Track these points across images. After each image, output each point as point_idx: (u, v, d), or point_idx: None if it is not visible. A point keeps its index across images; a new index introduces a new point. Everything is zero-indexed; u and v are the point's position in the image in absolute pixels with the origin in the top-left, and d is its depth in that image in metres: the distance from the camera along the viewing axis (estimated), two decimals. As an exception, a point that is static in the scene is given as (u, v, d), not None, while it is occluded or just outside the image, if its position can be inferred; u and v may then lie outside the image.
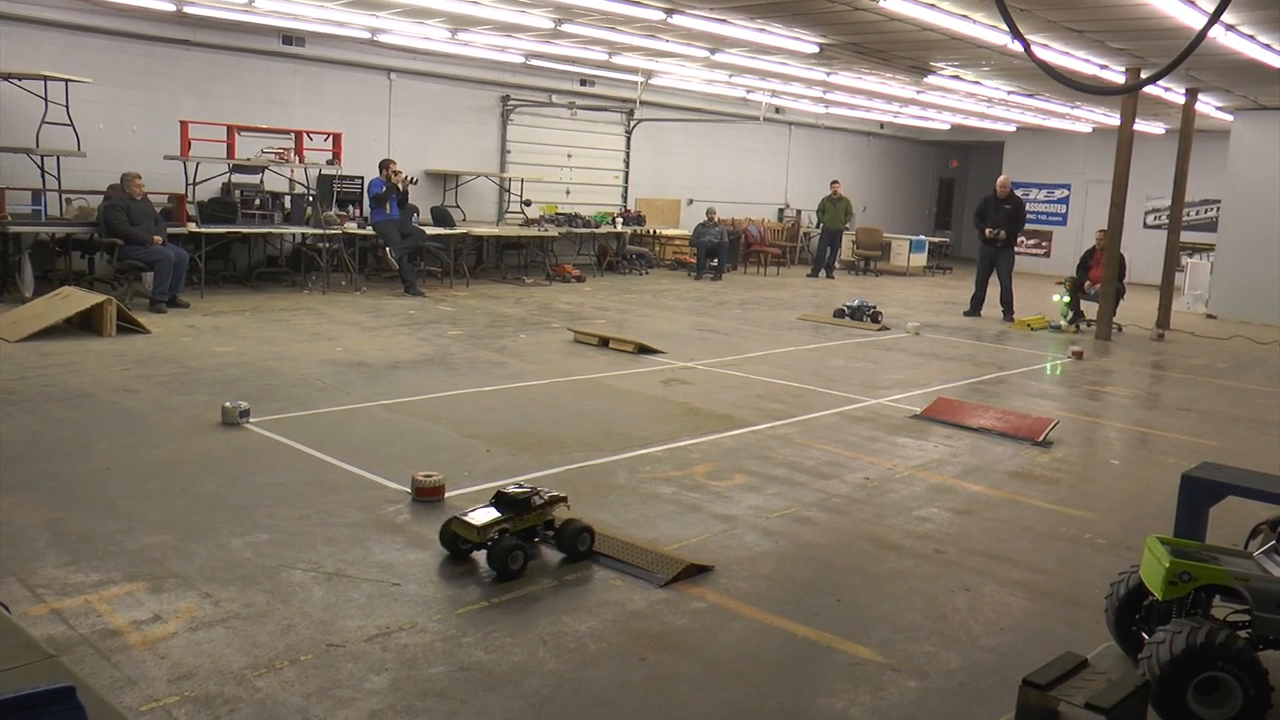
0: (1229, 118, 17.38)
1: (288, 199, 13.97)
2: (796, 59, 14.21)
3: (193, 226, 12.62)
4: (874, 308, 13.56)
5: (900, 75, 15.49)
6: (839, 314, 13.65)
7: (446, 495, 5.54)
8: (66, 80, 12.02)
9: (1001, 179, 15.58)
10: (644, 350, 10.34)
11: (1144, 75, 12.95)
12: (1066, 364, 11.61)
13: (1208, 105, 16.45)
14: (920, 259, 23.08)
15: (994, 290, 15.16)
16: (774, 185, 23.60)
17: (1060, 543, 5.53)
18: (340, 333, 10.63)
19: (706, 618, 4.29)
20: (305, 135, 13.78)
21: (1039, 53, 5.48)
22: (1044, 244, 25.21)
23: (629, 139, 20.13)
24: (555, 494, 4.98)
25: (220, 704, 3.39)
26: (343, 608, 4.17)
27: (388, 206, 13.92)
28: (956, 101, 18.67)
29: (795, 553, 5.13)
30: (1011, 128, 23.50)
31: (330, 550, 4.76)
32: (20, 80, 11.90)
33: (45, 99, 11.93)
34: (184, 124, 12.76)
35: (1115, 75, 13.30)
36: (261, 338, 10.08)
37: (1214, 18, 4.77)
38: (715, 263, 18.75)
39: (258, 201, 13.50)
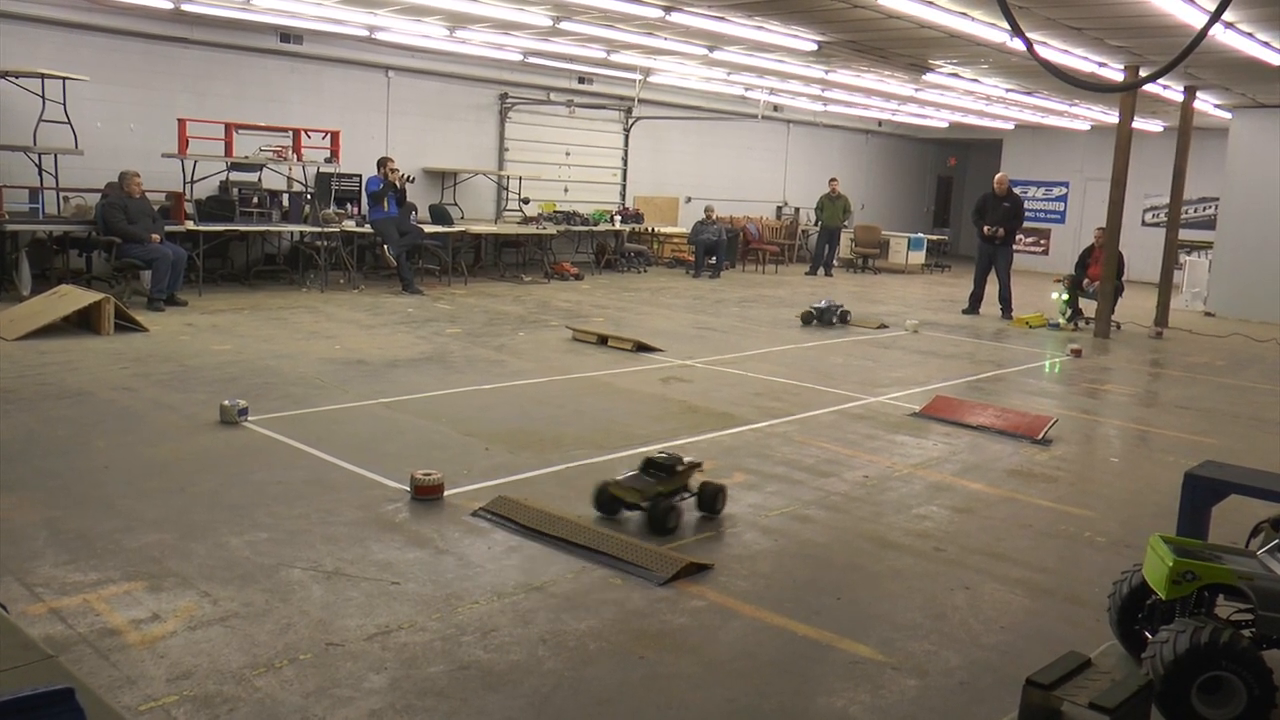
0: (1227, 115, 17.38)
1: (286, 197, 13.95)
2: (795, 57, 14.20)
3: (191, 224, 12.61)
4: (841, 308, 13.11)
5: (899, 73, 15.48)
6: (807, 317, 13.09)
7: (445, 493, 5.53)
8: (64, 78, 11.99)
9: (999, 176, 15.57)
10: (642, 348, 10.33)
11: (1143, 73, 12.95)
12: (1065, 362, 11.61)
13: (1206, 103, 16.46)
14: (919, 257, 23.09)
15: (992, 288, 15.16)
16: (772, 183, 23.59)
17: (1059, 541, 5.53)
18: (338, 331, 10.62)
19: (706, 616, 4.28)
20: (303, 133, 13.75)
21: (1038, 50, 5.46)
22: (1042, 242, 25.22)
23: (627, 137, 20.11)
24: (694, 460, 5.64)
25: (219, 703, 3.38)
26: (342, 606, 4.16)
27: (385, 204, 13.91)
28: (955, 99, 18.67)
29: (794, 551, 5.12)
30: (1010, 125, 23.50)
31: (329, 549, 4.75)
32: (18, 78, 11.88)
33: (43, 97, 11.90)
34: (182, 122, 12.73)
35: (1114, 73, 13.29)
36: (260, 336, 10.06)
37: (1215, 16, 4.75)
38: (714, 261, 18.74)
39: (256, 200, 13.47)
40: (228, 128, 13.21)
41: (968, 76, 15.53)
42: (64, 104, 12.02)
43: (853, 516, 5.69)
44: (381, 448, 6.45)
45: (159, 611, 4.02)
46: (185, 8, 12.28)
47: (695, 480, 5.54)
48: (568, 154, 19.05)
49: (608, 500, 5.42)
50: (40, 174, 12.00)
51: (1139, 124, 16.43)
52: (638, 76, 17.25)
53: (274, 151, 13.57)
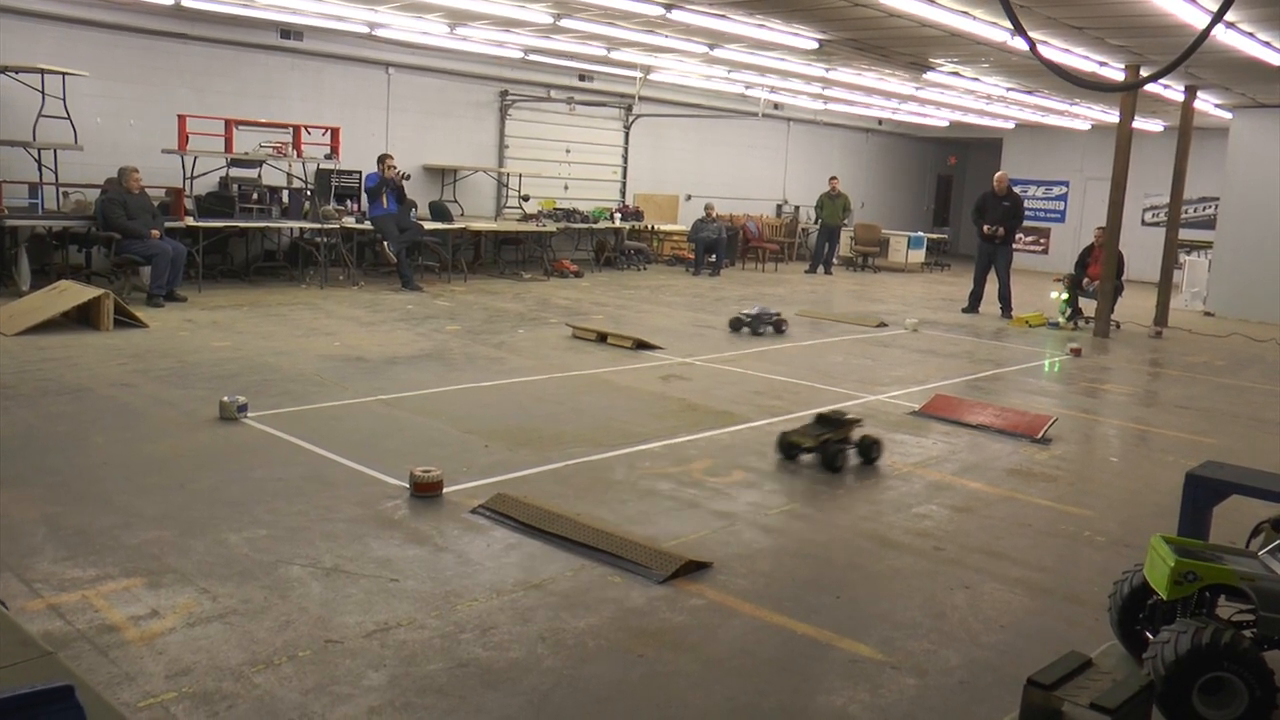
0: (1228, 115, 17.38)
1: (285, 193, 13.93)
2: (795, 55, 14.19)
3: (190, 221, 12.60)
4: (776, 315, 12.04)
5: (899, 71, 15.47)
6: (735, 324, 11.98)
7: (445, 491, 5.52)
8: (64, 73, 11.99)
9: (999, 175, 15.56)
10: (642, 346, 10.32)
11: (1143, 72, 12.95)
12: (1065, 361, 11.60)
13: (1207, 103, 16.45)
14: (918, 255, 23.09)
15: (992, 287, 15.15)
16: (772, 181, 23.58)
17: (1059, 540, 5.52)
18: (338, 328, 10.61)
19: (705, 615, 4.28)
20: (303, 130, 13.75)
21: (1039, 49, 5.46)
22: (1042, 241, 25.22)
23: (627, 134, 20.10)
24: (855, 417, 6.80)
25: (218, 700, 3.37)
26: (341, 603, 4.15)
27: (384, 200, 13.90)
28: (955, 98, 18.66)
29: (794, 550, 5.12)
30: (1010, 124, 23.50)
31: (328, 546, 4.75)
32: (17, 73, 11.87)
33: (42, 92, 11.89)
34: (181, 118, 12.72)
35: (1114, 72, 13.28)
36: (259, 332, 10.05)
37: (1217, 17, 4.74)
38: (713, 258, 18.74)
39: (255, 196, 13.45)
40: (228, 124, 13.20)
41: (968, 75, 15.52)
42: (64, 99, 12.02)
43: (852, 515, 5.68)
44: (381, 445, 6.45)
45: (158, 608, 4.01)
46: (185, 3, 12.26)
47: (856, 433, 6.63)
48: (568, 151, 19.04)
49: (788, 446, 6.55)
50: (40, 169, 11.98)
51: (1139, 123, 16.43)
52: (638, 74, 17.24)
53: (274, 148, 13.56)
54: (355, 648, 3.79)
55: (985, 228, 15.16)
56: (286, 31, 14.53)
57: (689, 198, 21.27)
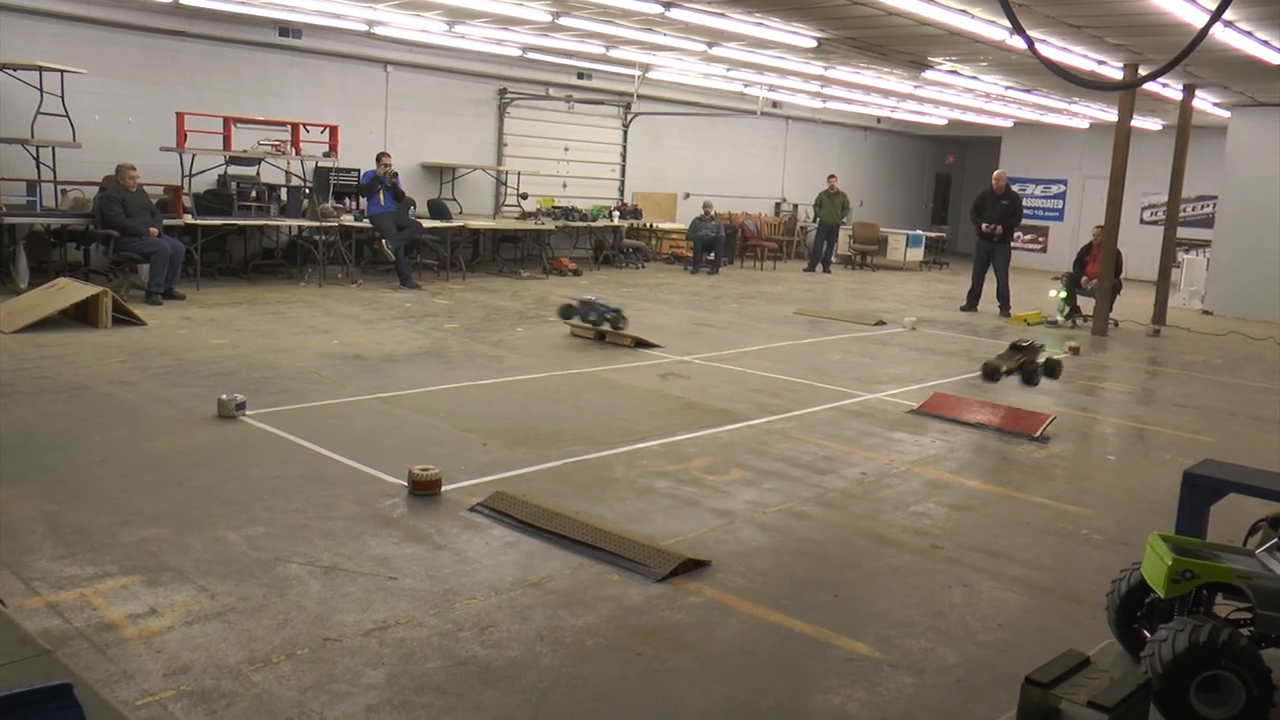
0: (1226, 114, 17.38)
1: (284, 191, 13.92)
2: (794, 53, 14.19)
3: (189, 218, 12.59)
4: (614, 311, 10.61)
5: (898, 70, 15.47)
6: (566, 312, 10.83)
7: (443, 489, 5.52)
8: (62, 71, 11.97)
9: (997, 174, 15.56)
10: (641, 344, 10.32)
11: (1142, 71, 12.95)
12: (1063, 359, 11.58)
13: (1205, 101, 16.46)
14: (917, 254, 23.09)
15: (991, 285, 15.16)
16: (771, 179, 23.58)
17: (1057, 539, 5.53)
18: (336, 325, 10.61)
19: (703, 613, 4.28)
20: (302, 127, 13.74)
21: (1038, 48, 5.46)
22: (1040, 239, 25.22)
23: (626, 132, 20.10)
24: (1040, 343, 9.05)
25: (216, 698, 3.37)
26: (339, 602, 4.15)
27: (381, 198, 13.89)
28: (954, 96, 18.66)
29: (792, 548, 5.12)
30: (1009, 123, 23.50)
31: (327, 544, 4.75)
32: (15, 70, 11.85)
33: (41, 89, 11.88)
34: (180, 115, 12.71)
35: (1113, 71, 13.29)
36: (257, 330, 10.05)
37: (1215, 15, 4.74)
38: (712, 257, 18.74)
39: (254, 194, 13.45)
40: (226, 121, 13.19)
41: (967, 74, 15.52)
42: (62, 97, 12.00)
43: (850, 514, 5.69)
44: (379, 443, 6.45)
45: (156, 606, 4.01)
46: (184, 1, 12.24)
47: (1041, 356, 8.81)
48: (566, 149, 19.04)
49: (992, 370, 8.56)
50: (38, 167, 11.98)
51: (1138, 122, 16.43)
52: (637, 72, 17.24)
53: (272, 146, 13.55)
54: (353, 646, 3.79)
55: (984, 226, 15.16)
56: (285, 29, 14.52)
57: (687, 196, 21.28)
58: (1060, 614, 4.54)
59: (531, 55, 16.19)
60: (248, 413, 6.84)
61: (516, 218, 17.25)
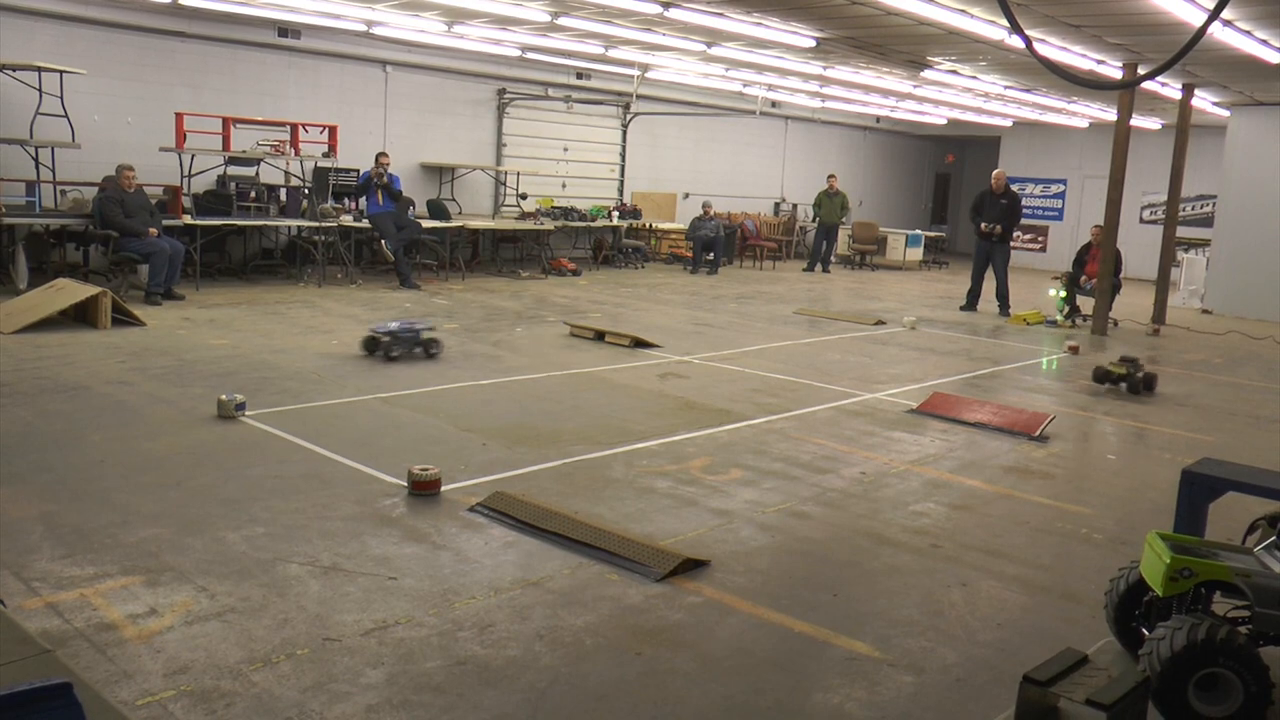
0: (1225, 113, 17.39)
1: (283, 191, 13.93)
2: (793, 53, 14.19)
3: (188, 219, 12.59)
4: (422, 330, 8.98)
5: (897, 69, 15.48)
6: (369, 345, 8.88)
7: (443, 489, 5.53)
8: (61, 71, 11.98)
9: (997, 173, 15.56)
10: (640, 344, 10.33)
11: (1141, 71, 12.96)
12: (1062, 359, 11.61)
13: (1204, 101, 16.46)
14: (916, 253, 23.09)
15: (990, 285, 15.16)
16: (770, 179, 23.58)
17: (1056, 538, 5.53)
18: (336, 326, 10.61)
19: (702, 613, 4.28)
20: (301, 128, 13.74)
21: (1037, 47, 5.47)
22: (1040, 239, 25.23)
23: (625, 132, 20.10)
24: (1136, 357, 9.86)
25: (216, 698, 3.38)
26: (339, 602, 4.16)
27: (380, 198, 13.90)
28: (953, 96, 18.67)
29: (791, 547, 5.12)
30: (1008, 122, 23.50)
31: (326, 544, 4.75)
32: (15, 71, 11.85)
33: (40, 90, 11.89)
34: (179, 116, 12.71)
35: (1112, 70, 13.29)
36: (257, 330, 10.05)
37: (1214, 15, 4.75)
38: (711, 257, 18.74)
39: (253, 194, 13.45)
40: (225, 122, 13.19)
41: (966, 73, 15.53)
42: (61, 97, 12.01)
43: (849, 513, 5.69)
44: (379, 443, 6.45)
45: (156, 606, 4.02)
46: (183, 1, 12.25)
47: (1140, 371, 9.53)
48: (565, 150, 19.04)
49: (1104, 374, 9.56)
50: (37, 167, 11.98)
51: (1137, 121, 16.45)
52: (636, 72, 17.24)
53: (272, 146, 13.55)
54: (353, 646, 3.79)
55: (983, 226, 15.16)
56: (284, 30, 14.53)
57: (687, 196, 21.28)
58: (1060, 613, 4.54)
59: (530, 55, 16.19)
60: (247, 413, 6.85)
61: (516, 218, 17.25)
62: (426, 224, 14.94)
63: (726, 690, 3.66)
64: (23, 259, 11.61)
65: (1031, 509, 5.97)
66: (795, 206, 23.68)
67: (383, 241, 13.91)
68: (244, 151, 13.34)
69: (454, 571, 4.54)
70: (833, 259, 21.37)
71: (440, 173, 17.11)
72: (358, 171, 14.63)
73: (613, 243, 19.00)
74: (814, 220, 21.44)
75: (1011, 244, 15.59)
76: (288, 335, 9.89)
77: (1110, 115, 17.29)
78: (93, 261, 12.55)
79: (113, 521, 4.86)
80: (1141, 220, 23.14)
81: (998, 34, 11.20)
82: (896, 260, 22.73)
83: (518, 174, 17.75)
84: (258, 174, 13.86)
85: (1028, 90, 17.29)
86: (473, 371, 8.77)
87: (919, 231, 23.87)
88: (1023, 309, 14.90)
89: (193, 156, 12.93)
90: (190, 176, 12.92)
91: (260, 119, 13.94)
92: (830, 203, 20.54)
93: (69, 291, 9.93)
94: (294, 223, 13.95)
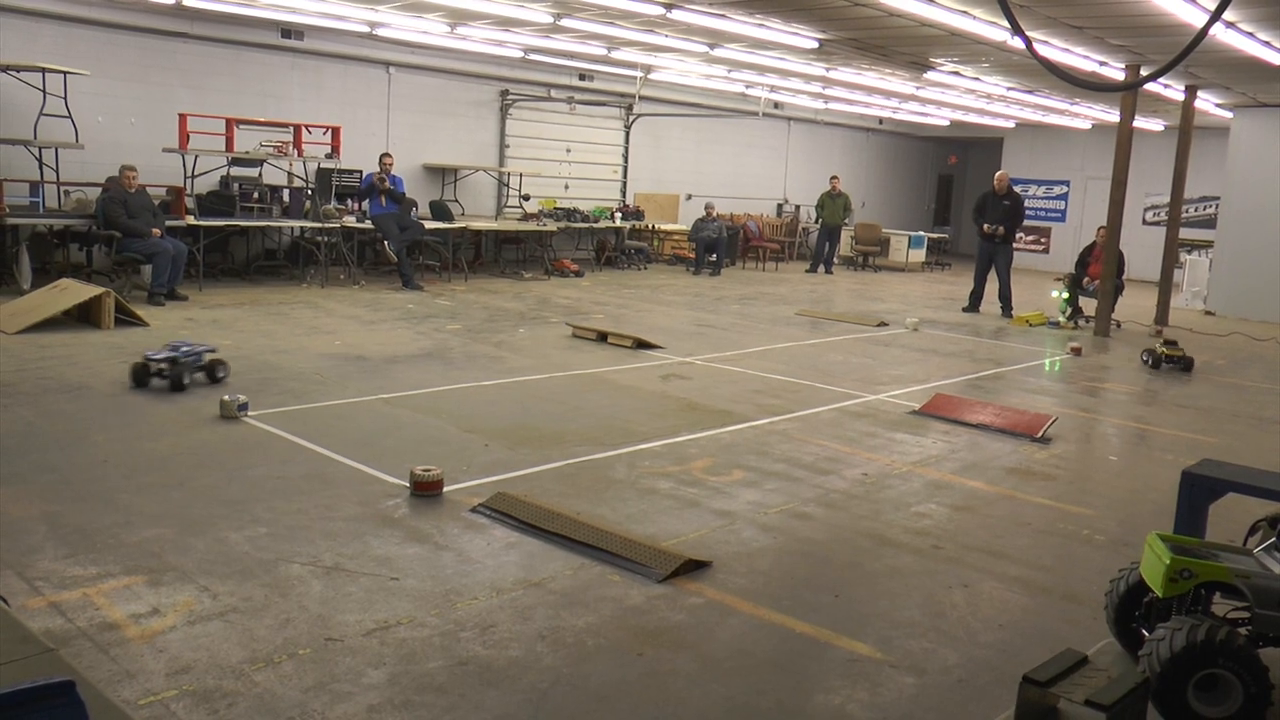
0: (1228, 115, 17.38)
1: (286, 192, 13.95)
2: (795, 54, 14.19)
3: (191, 219, 12.61)
4: (204, 353, 7.77)
5: (899, 71, 15.47)
6: (139, 376, 7.49)
7: (445, 489, 5.53)
8: (65, 72, 12.01)
9: (999, 175, 15.56)
10: (642, 345, 10.33)
11: (1144, 72, 12.95)
12: (1065, 360, 11.61)
13: (1207, 102, 16.45)
14: (919, 255, 23.09)
15: (993, 286, 15.16)
16: (772, 180, 23.58)
17: (1058, 539, 5.53)
18: (338, 326, 10.62)
19: (704, 613, 4.29)
20: (304, 129, 13.76)
21: (1039, 49, 5.47)
22: (1043, 240, 25.22)
23: (628, 134, 20.11)
24: (1175, 341, 11.08)
25: (218, 698, 3.38)
26: (341, 602, 4.17)
27: (383, 199, 13.92)
28: (956, 97, 18.66)
29: (793, 548, 5.13)
30: (1011, 124, 23.49)
31: (328, 544, 4.76)
32: (19, 72, 11.88)
33: (43, 91, 11.91)
34: (182, 117, 12.73)
35: (1115, 72, 13.29)
36: (259, 331, 10.07)
37: (1215, 15, 4.75)
38: (714, 258, 18.74)
39: (256, 195, 13.47)
40: (228, 123, 13.21)
41: (969, 75, 15.52)
42: (64, 98, 12.04)
43: (851, 514, 5.69)
44: (381, 443, 6.46)
45: (158, 606, 4.03)
46: (186, 2, 12.28)
47: (1177, 351, 10.75)
48: (568, 151, 19.05)
49: (1157, 358, 10.88)
50: (41, 168, 12.01)
51: (1140, 123, 16.43)
52: (638, 74, 17.25)
53: (275, 147, 13.57)
54: (355, 646, 3.80)
55: (985, 227, 15.16)
56: (287, 31, 14.55)
57: (689, 197, 21.28)
58: (1061, 614, 4.55)
59: (533, 57, 16.20)
60: (250, 413, 6.86)
61: (518, 219, 17.26)
62: (429, 225, 14.96)
63: (728, 691, 3.67)
64: (26, 259, 11.63)
65: (1033, 510, 5.97)
66: (798, 208, 23.68)
67: (385, 243, 13.92)
68: (247, 152, 13.36)
69: (456, 572, 4.55)
70: (835, 260, 21.37)
71: (443, 174, 17.13)
72: (360, 173, 14.65)
73: (615, 244, 19.00)
74: (817, 221, 21.45)
75: (1014, 245, 15.59)
76: (290, 336, 9.91)
77: (1113, 117, 17.27)
78: (96, 262, 12.58)
79: (115, 521, 4.87)
80: (1144, 222, 23.12)
81: (1000, 35, 11.20)
82: (899, 261, 22.72)
83: (520, 175, 17.76)
84: (261, 175, 13.88)
85: (1030, 92, 17.28)
86: (475, 372, 8.78)
87: (922, 233, 23.87)
88: (1025, 310, 14.90)
89: (196, 157, 12.96)
90: (193, 177, 12.94)
91: (263, 120, 13.97)
92: (833, 204, 20.54)
93: (72, 292, 9.95)
94: (297, 224, 13.97)
